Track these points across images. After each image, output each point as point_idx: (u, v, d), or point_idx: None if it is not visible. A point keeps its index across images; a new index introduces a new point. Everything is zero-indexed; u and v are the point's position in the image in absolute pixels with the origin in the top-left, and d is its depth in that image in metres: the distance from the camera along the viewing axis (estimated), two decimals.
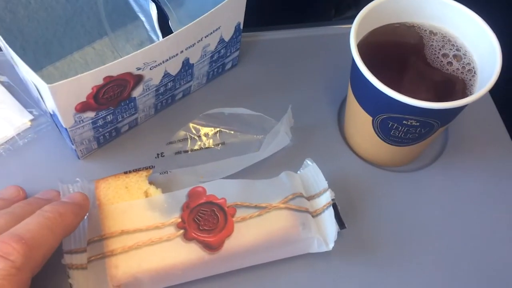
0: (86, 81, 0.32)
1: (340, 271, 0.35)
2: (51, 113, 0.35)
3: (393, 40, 0.37)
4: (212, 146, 0.40)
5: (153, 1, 0.35)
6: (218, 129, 0.41)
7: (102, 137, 0.38)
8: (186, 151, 0.40)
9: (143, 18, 0.40)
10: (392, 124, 0.35)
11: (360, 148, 0.40)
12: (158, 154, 0.39)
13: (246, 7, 0.39)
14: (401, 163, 0.41)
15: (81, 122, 0.35)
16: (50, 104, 0.33)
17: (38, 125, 0.40)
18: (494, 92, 0.36)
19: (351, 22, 0.35)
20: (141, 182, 0.35)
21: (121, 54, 0.44)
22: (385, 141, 0.37)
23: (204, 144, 0.40)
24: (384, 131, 0.36)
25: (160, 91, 0.39)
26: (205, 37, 0.37)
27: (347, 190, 0.38)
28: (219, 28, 0.38)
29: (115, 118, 0.37)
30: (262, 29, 0.47)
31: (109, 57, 0.44)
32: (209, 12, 0.35)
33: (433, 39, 0.37)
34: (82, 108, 0.33)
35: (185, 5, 0.43)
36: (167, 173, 0.38)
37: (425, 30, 0.37)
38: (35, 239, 0.27)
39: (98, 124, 0.36)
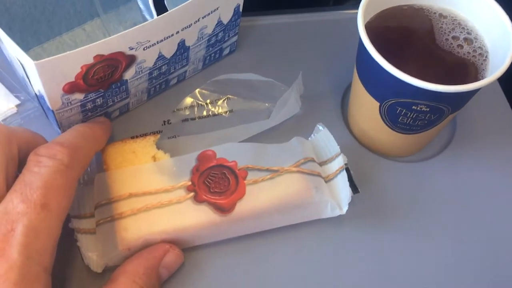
0: (75, 59, 0.30)
1: (353, 236, 0.35)
2: (37, 94, 0.33)
3: (400, 23, 0.35)
4: (220, 113, 0.39)
5: None
6: (226, 96, 0.39)
7: None
8: (194, 119, 0.38)
9: None
10: (401, 110, 0.33)
11: (365, 136, 0.38)
12: (164, 121, 0.38)
13: None
14: (407, 153, 0.39)
15: (69, 104, 0.32)
16: (36, 84, 0.31)
17: (25, 111, 0.38)
18: (503, 79, 0.35)
19: (352, 9, 0.33)
20: (148, 147, 0.34)
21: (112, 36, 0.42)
22: (392, 129, 0.35)
23: (212, 112, 0.39)
24: (391, 117, 0.34)
25: (153, 75, 0.36)
26: (202, 18, 0.35)
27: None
28: (217, 9, 0.36)
29: (105, 102, 0.35)
30: (262, 13, 0.45)
31: (100, 39, 0.41)
32: None
33: (443, 21, 0.35)
34: (71, 89, 0.31)
35: None
36: (175, 137, 0.36)
37: (434, 13, 0.35)
38: (74, 143, 0.29)
39: (87, 107, 0.34)
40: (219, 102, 0.39)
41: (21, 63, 0.31)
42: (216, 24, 0.37)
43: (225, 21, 0.38)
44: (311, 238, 0.34)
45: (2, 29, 0.37)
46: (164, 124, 0.38)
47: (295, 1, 0.52)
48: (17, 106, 0.38)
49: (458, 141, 0.40)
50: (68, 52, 0.29)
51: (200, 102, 0.39)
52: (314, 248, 0.34)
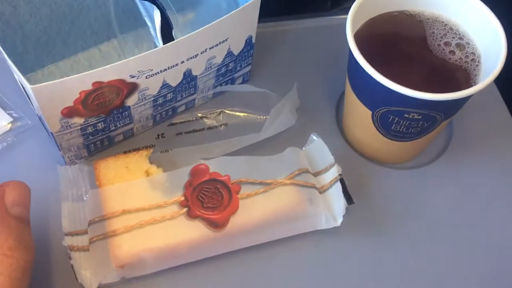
0: (73, 85, 0.30)
1: (349, 247, 0.35)
2: (39, 115, 0.34)
3: (392, 29, 0.35)
4: (215, 127, 0.39)
5: (158, 8, 0.33)
6: (221, 109, 0.40)
7: (92, 145, 0.36)
8: (188, 132, 0.39)
9: (149, 24, 0.38)
10: (393, 118, 0.33)
11: (360, 144, 0.39)
12: (158, 135, 0.39)
13: None
14: (403, 160, 0.39)
15: (68, 127, 0.33)
16: (36, 106, 0.32)
17: (18, 128, 0.38)
18: (500, 82, 0.34)
19: (347, 14, 0.33)
20: (141, 162, 0.35)
21: (128, 58, 0.42)
22: (386, 137, 0.35)
23: (207, 125, 0.39)
24: (384, 126, 0.34)
25: (158, 102, 0.36)
26: (210, 48, 0.34)
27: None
28: (226, 40, 0.35)
29: (107, 127, 0.35)
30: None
31: (115, 60, 0.40)
32: (213, 22, 0.32)
33: (434, 27, 0.35)
34: (69, 113, 0.32)
35: (197, 15, 0.40)
36: (168, 151, 0.36)
37: (426, 18, 0.35)
38: None
39: (88, 131, 0.34)
40: (214, 116, 0.40)
41: (21, 85, 0.31)
42: (226, 54, 0.37)
43: (235, 52, 0.37)
44: (307, 250, 0.34)
45: (16, 45, 0.37)
46: (158, 137, 0.38)
47: (292, 4, 0.52)
48: (10, 123, 0.38)
49: (455, 146, 0.39)
50: (65, 78, 0.29)
51: (194, 116, 0.39)
52: (310, 260, 0.34)
